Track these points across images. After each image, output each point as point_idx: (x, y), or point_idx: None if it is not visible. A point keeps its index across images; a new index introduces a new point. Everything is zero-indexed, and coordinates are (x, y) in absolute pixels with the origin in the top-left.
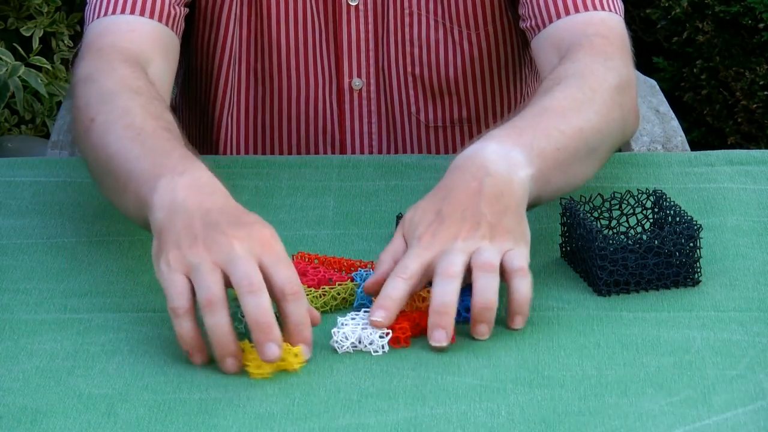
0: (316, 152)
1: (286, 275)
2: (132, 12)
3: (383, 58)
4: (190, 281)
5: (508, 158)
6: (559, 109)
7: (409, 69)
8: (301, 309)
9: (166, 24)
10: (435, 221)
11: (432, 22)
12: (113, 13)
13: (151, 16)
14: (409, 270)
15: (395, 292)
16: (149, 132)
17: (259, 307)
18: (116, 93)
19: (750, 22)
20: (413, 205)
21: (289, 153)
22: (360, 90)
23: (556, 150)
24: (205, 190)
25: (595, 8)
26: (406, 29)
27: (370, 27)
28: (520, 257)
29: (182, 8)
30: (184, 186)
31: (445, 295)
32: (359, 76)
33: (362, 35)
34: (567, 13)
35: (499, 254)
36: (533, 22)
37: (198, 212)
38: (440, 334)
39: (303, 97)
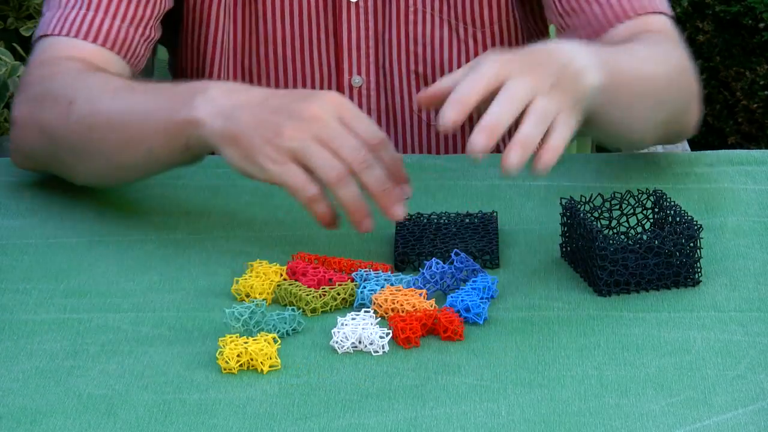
0: None
1: (368, 128)
2: (76, 35)
3: (385, 55)
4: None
5: (587, 57)
6: (636, 54)
7: (412, 67)
8: (392, 152)
9: (118, 52)
10: (510, 59)
11: (437, 20)
12: (58, 34)
13: (95, 41)
14: (483, 72)
15: (467, 89)
16: (142, 85)
17: (380, 177)
18: (84, 76)
19: (750, 22)
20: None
21: None
22: (360, 87)
23: (628, 80)
24: (243, 89)
25: (648, 12)
26: (410, 27)
27: (371, 24)
28: (572, 121)
29: (144, 41)
30: (220, 93)
31: (501, 116)
32: (359, 73)
33: (362, 32)
34: (627, 17)
35: (556, 114)
36: (588, 32)
37: (256, 105)
38: (480, 139)
39: None
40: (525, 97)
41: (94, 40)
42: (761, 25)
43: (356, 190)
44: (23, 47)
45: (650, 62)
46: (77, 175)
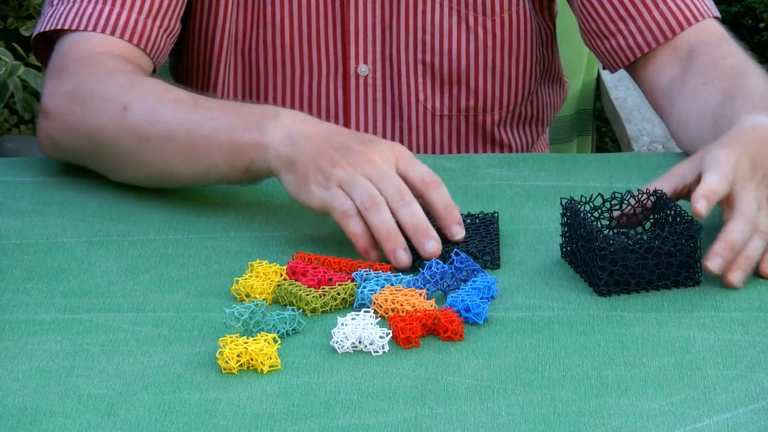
0: None
1: (422, 170)
2: (94, 29)
3: (392, 44)
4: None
5: None
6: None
7: (419, 56)
8: (445, 194)
9: (137, 45)
10: (740, 161)
11: (446, 8)
12: (76, 29)
13: (113, 33)
14: (723, 179)
15: (709, 191)
16: (204, 100)
17: (416, 215)
18: (138, 80)
19: (750, 21)
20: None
21: None
22: (366, 77)
23: None
24: (313, 121)
25: (696, 20)
26: (419, 15)
27: (378, 12)
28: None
29: (164, 33)
30: (292, 121)
31: (742, 235)
32: (365, 62)
33: (369, 20)
34: (689, 24)
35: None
36: (644, 39)
37: (321, 138)
38: (718, 261)
39: (306, 82)
40: (754, 216)
41: (112, 33)
42: (761, 25)
43: (389, 218)
44: (23, 47)
45: None
46: (118, 176)
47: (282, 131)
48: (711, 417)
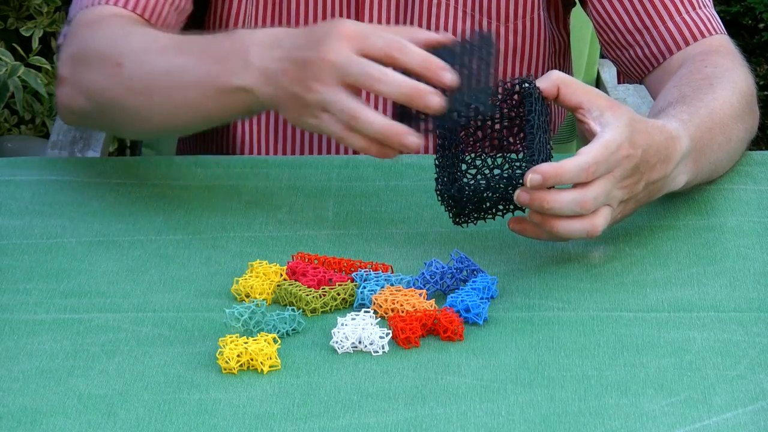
0: (330, 139)
1: (379, 42)
2: (107, 2)
3: None
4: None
5: (686, 154)
6: (722, 120)
7: None
8: (413, 53)
9: (146, 17)
10: (631, 155)
11: (460, 13)
12: (95, 4)
13: (125, 6)
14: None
15: (569, 173)
16: (187, 43)
17: (398, 88)
18: (128, 33)
19: (750, 22)
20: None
21: (301, 139)
22: None
23: (710, 164)
24: (271, 42)
25: (710, 33)
26: (432, 19)
27: (392, 14)
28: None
29: (176, 12)
30: (258, 55)
31: (570, 206)
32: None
33: (384, 22)
34: (703, 36)
35: (615, 206)
36: (658, 48)
37: (286, 60)
38: (537, 178)
39: None
40: (593, 205)
41: (116, 2)
42: (761, 25)
43: (376, 118)
44: (23, 47)
45: (732, 124)
46: (128, 132)
47: (256, 71)
48: (711, 417)
